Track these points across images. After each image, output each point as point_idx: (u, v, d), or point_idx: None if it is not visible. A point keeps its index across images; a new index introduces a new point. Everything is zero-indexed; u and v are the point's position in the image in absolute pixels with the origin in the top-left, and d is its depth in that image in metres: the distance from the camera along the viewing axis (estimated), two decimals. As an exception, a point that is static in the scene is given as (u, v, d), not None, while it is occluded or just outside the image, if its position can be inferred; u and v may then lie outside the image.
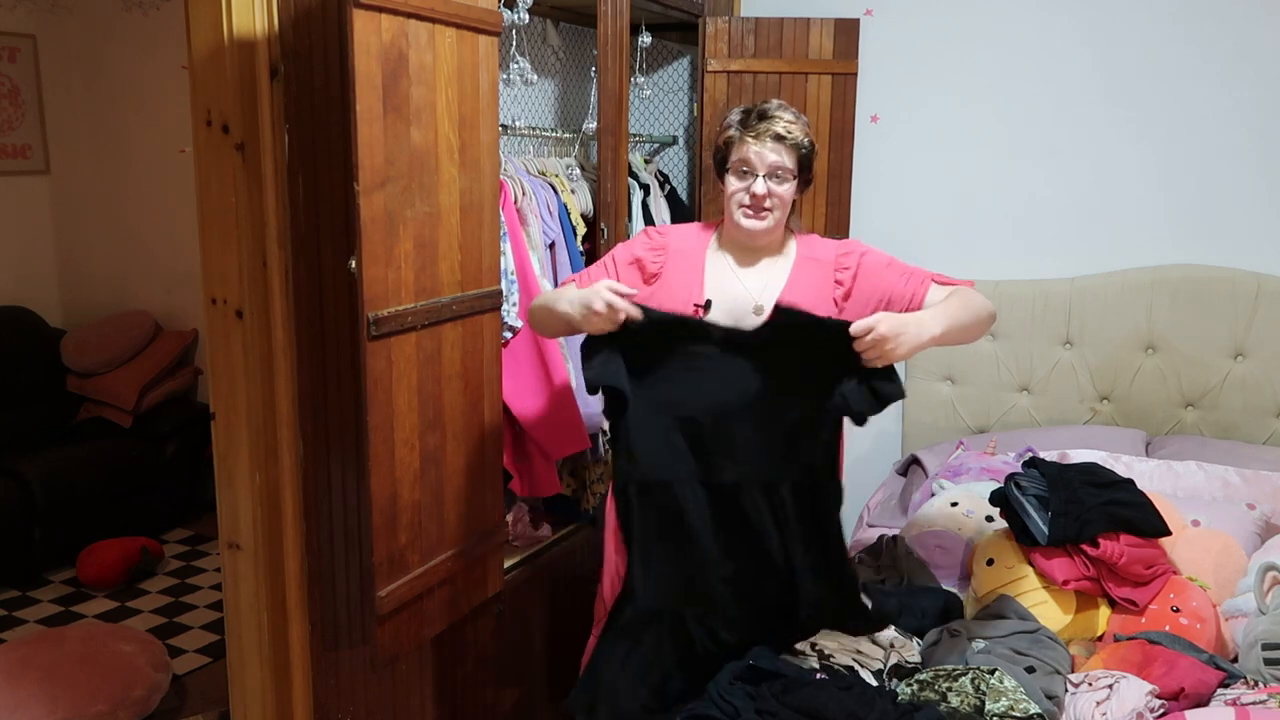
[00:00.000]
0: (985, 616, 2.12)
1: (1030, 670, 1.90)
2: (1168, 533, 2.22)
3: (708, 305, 2.07)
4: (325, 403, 2.05)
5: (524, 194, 2.65)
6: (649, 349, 1.91)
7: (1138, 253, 3.23)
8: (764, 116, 2.04)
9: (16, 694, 2.83)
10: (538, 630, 2.79)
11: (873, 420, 3.76)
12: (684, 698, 1.95)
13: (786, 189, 2.05)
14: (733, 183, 2.05)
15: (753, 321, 2.04)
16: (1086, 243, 3.29)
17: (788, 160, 2.03)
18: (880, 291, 2.08)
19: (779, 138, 2.02)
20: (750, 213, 2.05)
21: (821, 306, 2.04)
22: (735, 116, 2.08)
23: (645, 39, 3.22)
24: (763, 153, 2.02)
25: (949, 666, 1.90)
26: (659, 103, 3.65)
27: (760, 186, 2.02)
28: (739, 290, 2.09)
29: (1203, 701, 1.85)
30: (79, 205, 4.76)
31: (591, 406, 2.75)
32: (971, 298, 2.03)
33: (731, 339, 1.92)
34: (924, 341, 1.85)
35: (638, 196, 3.17)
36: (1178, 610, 2.10)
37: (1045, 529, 2.19)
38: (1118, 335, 3.24)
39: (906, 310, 2.02)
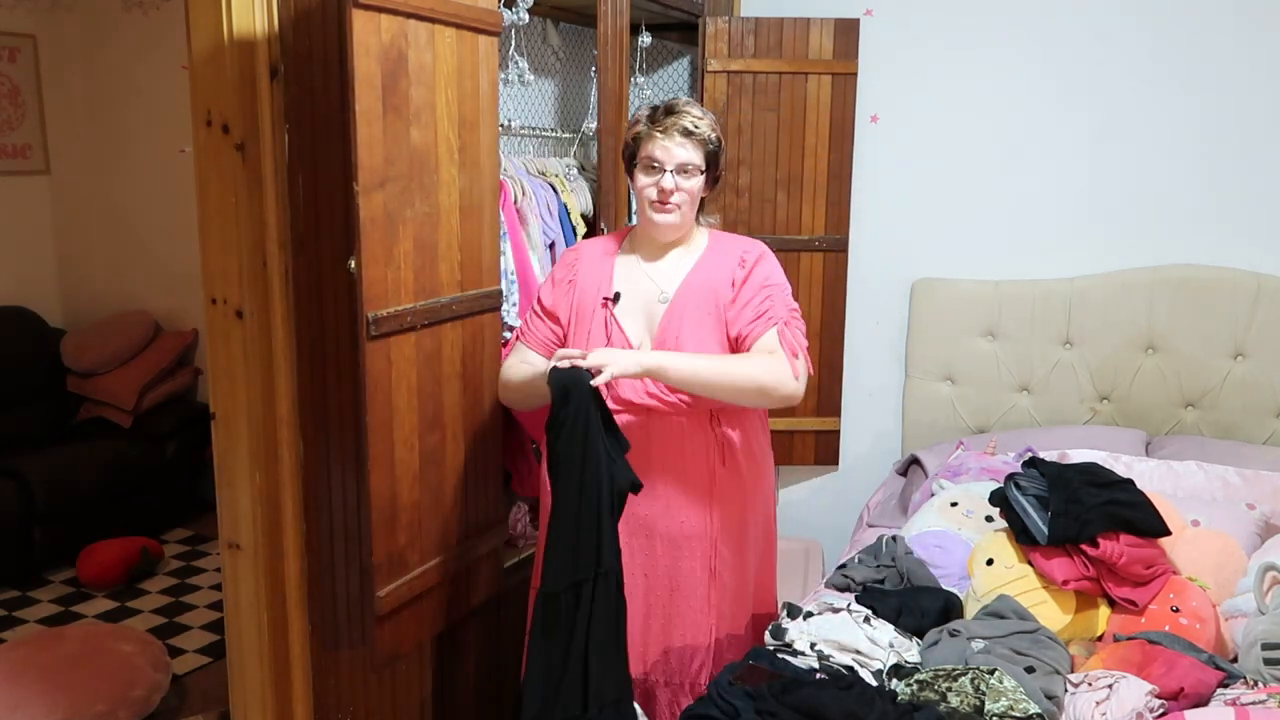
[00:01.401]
0: (985, 616, 2.12)
1: (1030, 670, 1.90)
2: (1167, 533, 2.21)
3: (616, 297, 2.14)
4: (325, 403, 2.05)
5: (524, 194, 2.65)
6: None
7: (1138, 253, 3.23)
8: (671, 111, 2.07)
9: (16, 694, 2.83)
10: (538, 630, 2.78)
11: (872, 420, 3.78)
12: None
13: (694, 184, 2.09)
14: (641, 178, 2.09)
15: (658, 310, 2.12)
16: (1086, 243, 3.29)
17: (695, 156, 2.07)
18: (739, 309, 2.11)
19: (686, 133, 2.06)
20: (659, 207, 2.09)
21: (711, 301, 2.10)
22: (644, 112, 2.11)
23: (645, 39, 3.22)
24: (670, 148, 2.06)
25: (948, 666, 1.90)
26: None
27: (668, 181, 2.06)
28: (647, 284, 2.15)
29: (1202, 701, 1.85)
30: (79, 205, 4.76)
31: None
32: (752, 368, 2.03)
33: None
34: (632, 369, 1.94)
35: (638, 196, 3.17)
36: (1177, 610, 2.10)
37: (1045, 529, 2.19)
38: (1118, 335, 3.24)
39: (733, 328, 2.09)
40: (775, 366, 2.04)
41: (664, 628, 2.21)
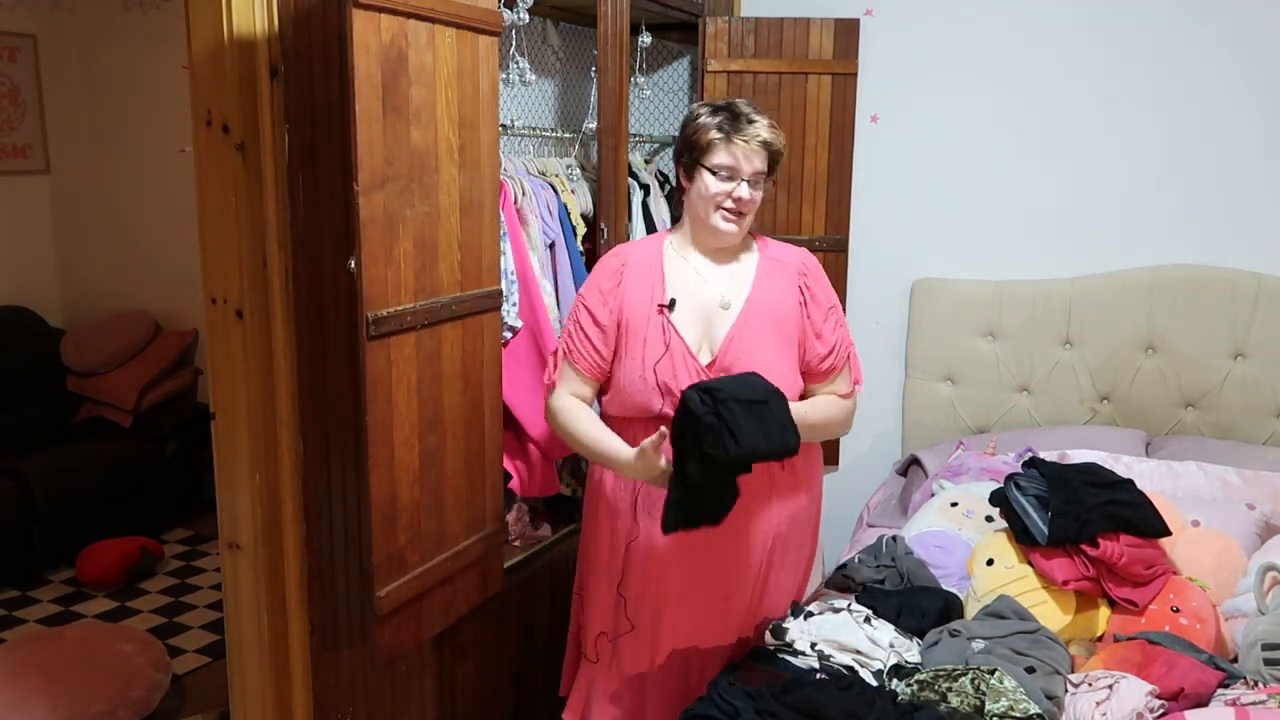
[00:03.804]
0: (985, 616, 2.12)
1: (1030, 670, 1.90)
2: (1168, 533, 2.22)
3: (671, 304, 2.09)
4: (325, 403, 2.05)
5: (524, 194, 2.65)
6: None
7: (1138, 253, 3.23)
8: (750, 121, 2.04)
9: (16, 694, 2.83)
10: (538, 630, 2.79)
11: (873, 420, 3.79)
12: None
13: (760, 193, 2.08)
14: (715, 185, 2.05)
15: (719, 318, 2.08)
16: (1086, 243, 3.29)
17: (764, 165, 2.07)
18: (816, 330, 2.13)
19: (765, 144, 2.04)
20: (730, 216, 2.06)
21: (778, 318, 2.10)
22: (712, 118, 2.07)
23: (645, 39, 3.22)
24: (751, 158, 2.03)
25: (949, 666, 1.90)
26: (659, 103, 3.65)
27: (745, 191, 2.04)
28: (704, 289, 2.11)
29: (1202, 702, 1.85)
30: (79, 205, 4.76)
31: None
32: (841, 419, 2.17)
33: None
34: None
35: (638, 196, 3.17)
36: (1177, 610, 2.10)
37: (1045, 529, 2.19)
38: (1118, 335, 3.23)
39: (813, 361, 2.13)
40: (848, 411, 2.18)
41: (697, 626, 2.18)
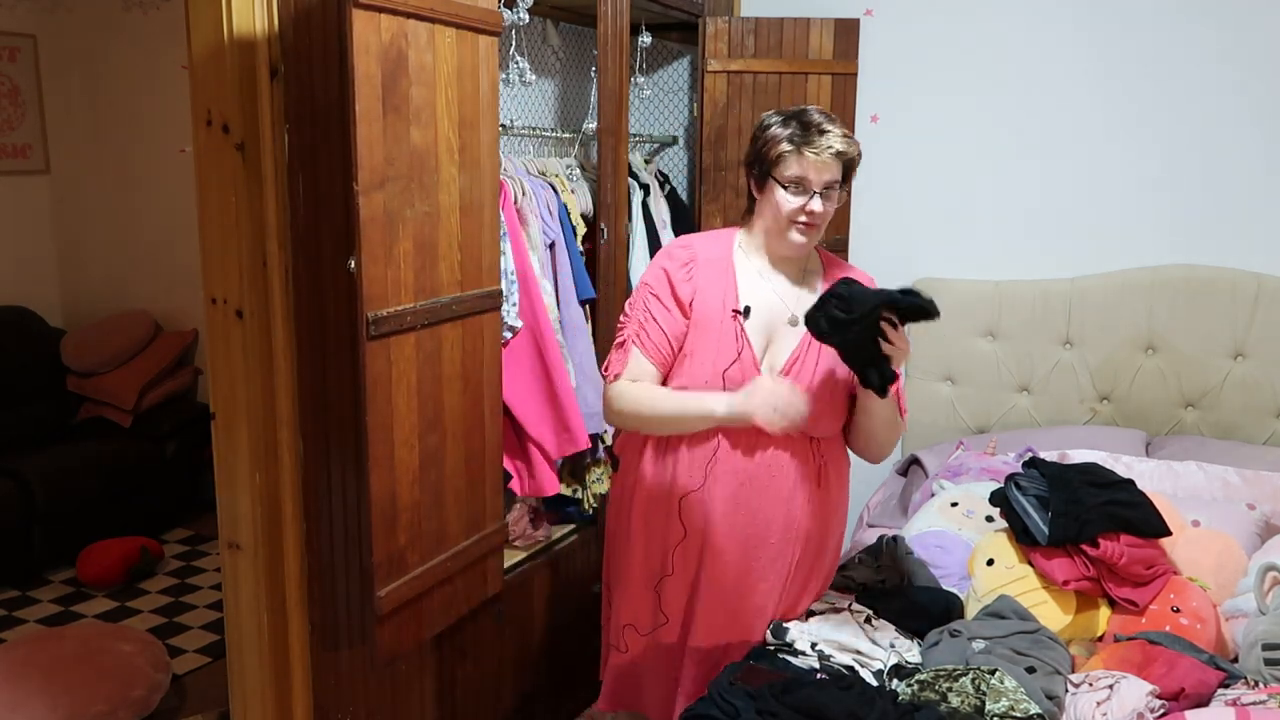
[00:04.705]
0: (985, 616, 2.12)
1: (1030, 670, 1.90)
2: (1168, 533, 2.22)
3: (746, 311, 2.06)
4: (325, 403, 2.05)
5: (524, 194, 2.65)
6: None
7: (1138, 253, 3.23)
8: (822, 131, 2.00)
9: (16, 694, 2.83)
10: (538, 630, 2.79)
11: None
12: None
13: (834, 204, 2.04)
14: (789, 199, 2.01)
15: (785, 333, 2.06)
16: (1086, 243, 3.29)
17: (839, 174, 2.03)
18: None
19: (838, 154, 2.00)
20: (804, 229, 2.03)
21: None
22: (783, 129, 2.02)
23: (645, 39, 3.22)
24: (822, 170, 1.99)
25: (949, 666, 1.90)
26: (659, 103, 3.65)
27: (818, 204, 2.00)
28: (774, 300, 2.08)
29: (1203, 702, 1.85)
30: (79, 205, 4.76)
31: (591, 406, 2.75)
32: (899, 423, 2.17)
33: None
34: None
35: (638, 196, 3.17)
36: (1178, 610, 2.10)
37: (1045, 529, 2.19)
38: (1118, 335, 3.23)
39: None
40: (901, 430, 2.17)
41: (725, 626, 2.18)
